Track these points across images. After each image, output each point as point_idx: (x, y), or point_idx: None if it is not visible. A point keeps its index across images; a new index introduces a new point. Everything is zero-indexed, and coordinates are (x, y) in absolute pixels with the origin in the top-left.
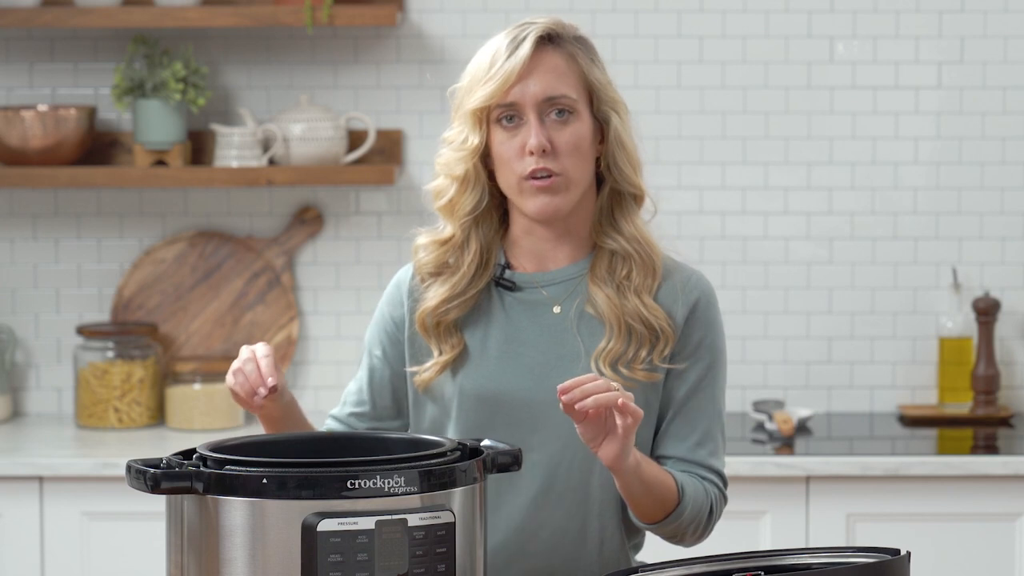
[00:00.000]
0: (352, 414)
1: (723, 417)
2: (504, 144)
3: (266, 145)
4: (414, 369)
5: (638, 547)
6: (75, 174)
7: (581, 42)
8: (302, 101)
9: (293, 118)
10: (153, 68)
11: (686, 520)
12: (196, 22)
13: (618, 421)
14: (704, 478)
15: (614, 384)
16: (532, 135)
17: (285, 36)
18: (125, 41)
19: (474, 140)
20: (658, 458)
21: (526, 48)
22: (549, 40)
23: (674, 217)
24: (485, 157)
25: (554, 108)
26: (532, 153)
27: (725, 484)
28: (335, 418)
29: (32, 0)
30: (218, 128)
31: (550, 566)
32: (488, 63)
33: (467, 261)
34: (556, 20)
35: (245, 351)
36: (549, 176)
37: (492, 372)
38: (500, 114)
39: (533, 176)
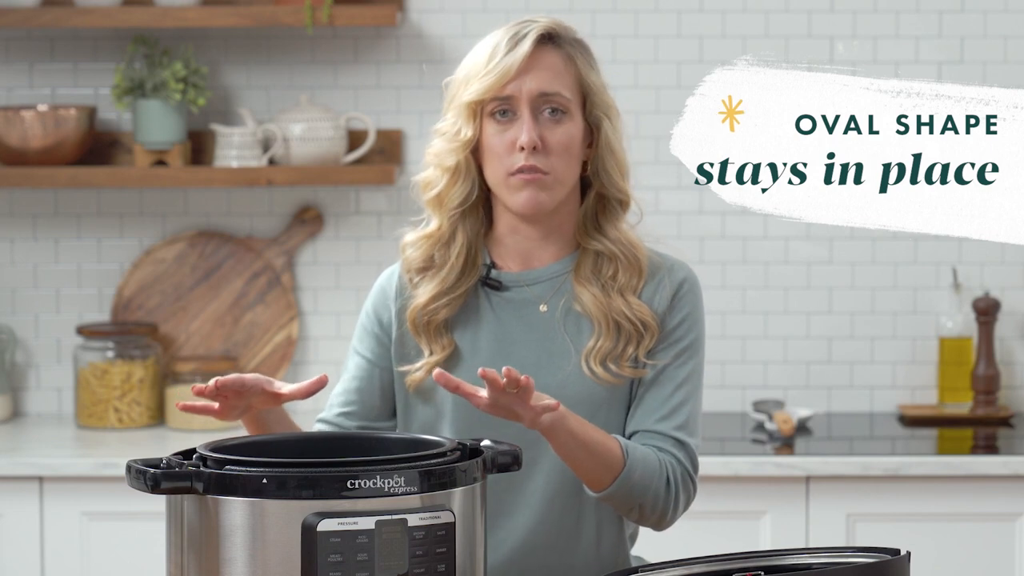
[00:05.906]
0: (341, 414)
1: (697, 401)
2: (495, 137)
3: (266, 145)
4: (404, 369)
5: (634, 538)
6: (75, 174)
7: (579, 45)
8: (302, 101)
9: (293, 118)
10: (153, 68)
11: (638, 485)
12: (196, 22)
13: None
14: (661, 449)
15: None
16: (524, 131)
17: (285, 36)
18: (125, 41)
19: (467, 132)
20: (628, 436)
21: (527, 45)
22: (549, 39)
23: (674, 217)
24: (475, 150)
25: (548, 106)
26: (523, 149)
27: (691, 458)
28: (323, 421)
29: (32, 0)
30: (218, 128)
31: (548, 563)
32: (487, 57)
33: (454, 254)
34: (557, 21)
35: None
36: (536, 173)
37: None
38: (494, 108)
39: (521, 172)
